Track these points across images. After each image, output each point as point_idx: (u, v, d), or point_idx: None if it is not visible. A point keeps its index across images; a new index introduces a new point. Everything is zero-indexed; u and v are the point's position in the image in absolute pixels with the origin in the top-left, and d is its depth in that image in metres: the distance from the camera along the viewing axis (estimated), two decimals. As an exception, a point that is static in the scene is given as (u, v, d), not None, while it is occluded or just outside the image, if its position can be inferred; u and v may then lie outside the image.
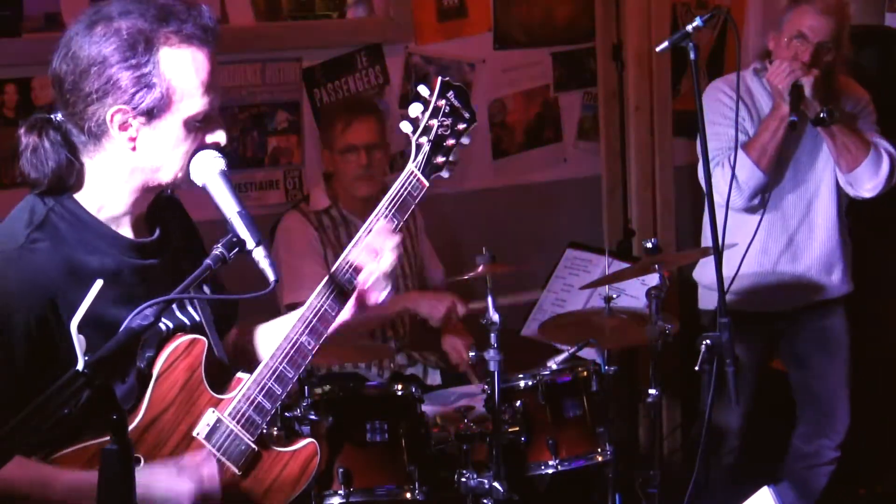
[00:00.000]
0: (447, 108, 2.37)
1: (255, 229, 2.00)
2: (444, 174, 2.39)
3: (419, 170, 2.34)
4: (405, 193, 2.32)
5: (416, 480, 3.22)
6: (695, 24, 3.10)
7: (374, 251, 2.26)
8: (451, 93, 2.38)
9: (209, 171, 2.08)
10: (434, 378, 4.01)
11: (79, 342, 1.63)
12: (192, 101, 2.06)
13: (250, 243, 1.98)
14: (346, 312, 2.28)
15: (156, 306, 1.79)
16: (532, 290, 4.34)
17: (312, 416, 3.17)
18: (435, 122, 2.36)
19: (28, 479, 2.00)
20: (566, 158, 4.85)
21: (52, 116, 2.11)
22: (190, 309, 2.26)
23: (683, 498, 3.22)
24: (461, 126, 2.40)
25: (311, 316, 2.22)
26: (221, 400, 2.16)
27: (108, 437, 1.99)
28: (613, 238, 4.77)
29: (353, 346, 3.64)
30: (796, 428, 4.14)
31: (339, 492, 3.16)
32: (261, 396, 2.16)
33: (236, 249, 1.98)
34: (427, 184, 2.35)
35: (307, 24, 4.27)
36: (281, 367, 2.18)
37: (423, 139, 2.35)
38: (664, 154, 4.78)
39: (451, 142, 2.38)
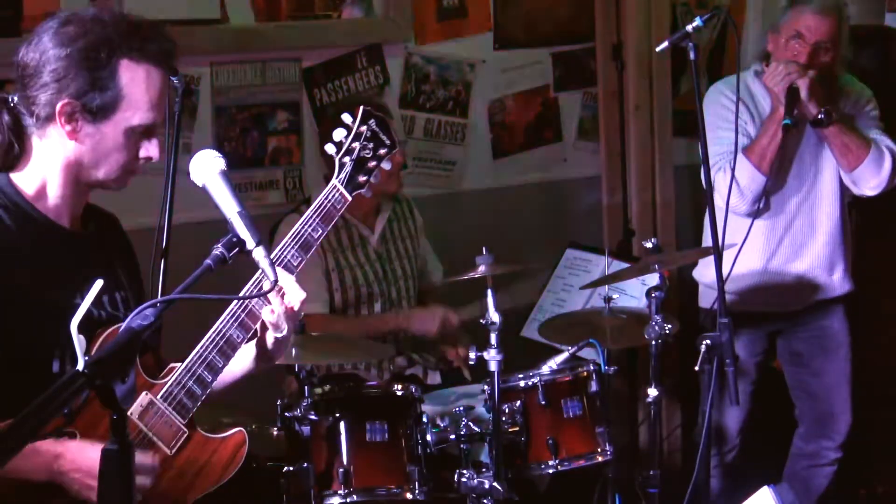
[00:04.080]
0: (368, 133, 2.58)
1: (254, 229, 2.01)
2: (366, 193, 2.57)
3: (342, 185, 2.52)
4: (329, 205, 2.49)
5: (416, 480, 3.22)
6: (695, 24, 3.10)
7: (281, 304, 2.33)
8: (372, 121, 2.59)
9: (209, 171, 2.09)
10: (434, 378, 4.01)
11: (79, 342, 1.63)
12: (138, 112, 2.23)
13: (250, 243, 2.00)
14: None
15: (155, 306, 1.80)
16: (532, 290, 4.35)
17: (312, 416, 3.17)
18: (357, 145, 2.57)
19: None
20: (566, 158, 4.85)
21: (8, 98, 2.26)
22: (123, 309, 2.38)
23: (683, 498, 3.22)
24: (382, 151, 2.60)
25: (239, 311, 2.33)
26: (155, 384, 2.29)
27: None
28: (613, 238, 4.77)
29: (354, 345, 3.65)
30: (797, 428, 4.14)
31: (339, 492, 3.16)
32: (191, 382, 2.29)
33: (236, 249, 1.99)
34: (349, 198, 2.52)
35: (307, 24, 4.26)
36: (211, 356, 2.29)
37: (346, 159, 2.55)
38: (664, 154, 4.78)
39: (372, 164, 2.58)
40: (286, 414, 3.21)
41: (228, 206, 2.05)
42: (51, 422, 1.61)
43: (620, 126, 4.77)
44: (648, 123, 4.75)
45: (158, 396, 2.27)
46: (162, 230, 3.13)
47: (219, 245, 1.99)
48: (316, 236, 2.45)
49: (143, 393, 2.26)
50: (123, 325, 1.78)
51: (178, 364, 2.30)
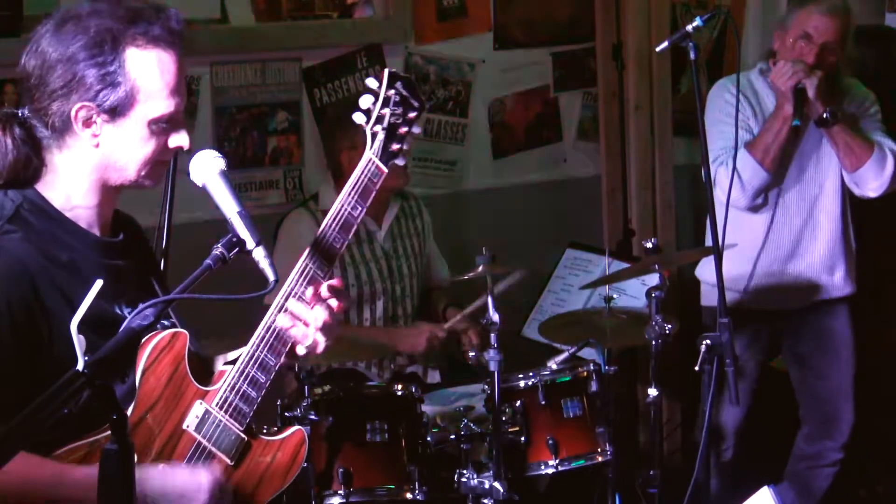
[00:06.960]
0: (396, 97, 2.40)
1: (254, 229, 2.00)
2: (400, 161, 2.42)
3: (377, 157, 2.37)
4: (365, 180, 2.34)
5: (416, 480, 3.22)
6: (695, 24, 3.11)
7: (302, 320, 2.24)
8: (399, 83, 2.40)
9: (209, 171, 2.08)
10: (434, 378, 4.01)
11: (79, 342, 1.63)
12: (157, 102, 2.09)
13: (250, 243, 1.99)
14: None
15: (155, 307, 1.79)
16: (532, 289, 4.35)
17: (312, 416, 3.17)
18: (387, 111, 2.38)
19: (44, 476, 2.01)
20: (566, 158, 4.86)
21: (18, 112, 2.13)
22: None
23: (683, 498, 3.22)
24: (412, 115, 2.42)
25: (283, 303, 2.23)
26: (207, 391, 2.17)
27: (99, 436, 2.03)
28: (613, 238, 4.77)
29: (355, 345, 3.65)
30: (800, 429, 4.14)
31: (339, 492, 3.16)
32: (245, 385, 2.18)
33: (236, 249, 1.98)
34: (385, 170, 2.38)
35: (307, 24, 4.27)
36: (262, 355, 2.19)
37: (378, 128, 2.38)
38: (664, 154, 4.78)
39: (403, 130, 2.41)
40: (286, 414, 3.21)
41: (228, 206, 2.03)
42: (50, 422, 1.60)
43: (620, 126, 4.77)
44: (648, 123, 4.75)
45: (213, 404, 2.16)
46: (162, 230, 3.13)
47: (219, 245, 1.97)
48: (356, 215, 2.32)
49: (197, 402, 2.16)
50: (123, 325, 1.77)
51: (228, 367, 2.20)
